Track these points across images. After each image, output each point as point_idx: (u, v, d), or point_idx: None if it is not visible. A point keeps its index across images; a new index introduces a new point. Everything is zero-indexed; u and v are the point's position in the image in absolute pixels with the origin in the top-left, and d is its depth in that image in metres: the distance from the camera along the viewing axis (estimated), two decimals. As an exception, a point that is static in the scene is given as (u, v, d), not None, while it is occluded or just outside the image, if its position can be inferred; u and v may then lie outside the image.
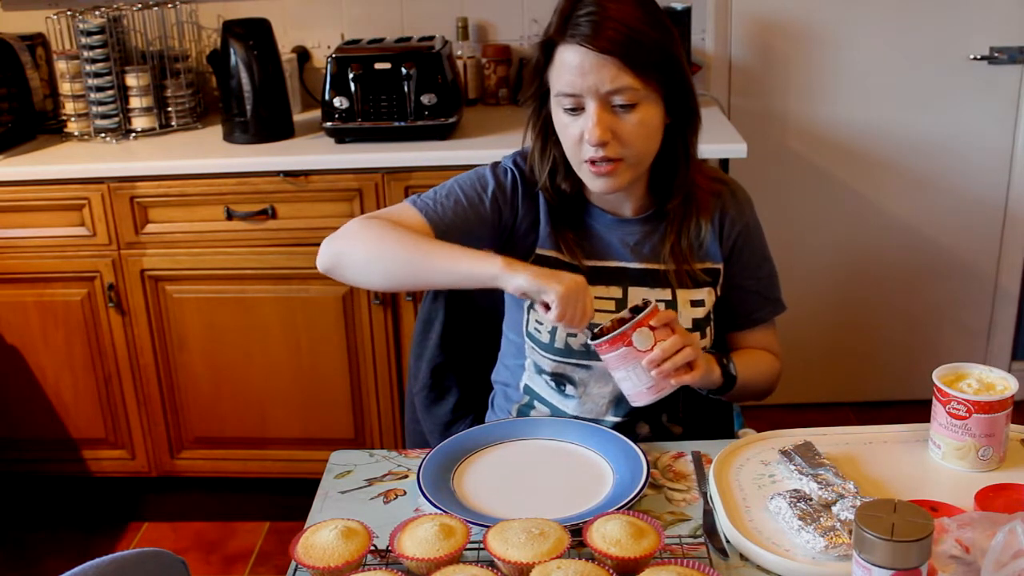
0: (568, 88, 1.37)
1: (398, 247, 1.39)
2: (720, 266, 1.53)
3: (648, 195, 1.51)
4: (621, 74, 1.34)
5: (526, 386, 1.58)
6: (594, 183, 1.43)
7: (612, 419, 1.51)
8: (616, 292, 1.49)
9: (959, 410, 1.27)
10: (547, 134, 1.48)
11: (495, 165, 1.55)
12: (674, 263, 1.49)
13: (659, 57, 1.36)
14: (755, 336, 1.60)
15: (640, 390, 1.34)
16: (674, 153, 1.46)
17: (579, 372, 1.50)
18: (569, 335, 1.48)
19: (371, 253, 1.41)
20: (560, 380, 1.52)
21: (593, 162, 1.39)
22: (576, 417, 1.50)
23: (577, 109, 1.38)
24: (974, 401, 1.26)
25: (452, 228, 1.46)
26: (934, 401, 1.31)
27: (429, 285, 1.59)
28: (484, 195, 1.50)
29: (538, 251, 1.50)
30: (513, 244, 1.52)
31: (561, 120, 1.42)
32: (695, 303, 1.50)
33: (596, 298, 1.47)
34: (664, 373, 1.32)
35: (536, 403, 1.57)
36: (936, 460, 1.32)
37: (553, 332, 1.49)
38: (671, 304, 1.48)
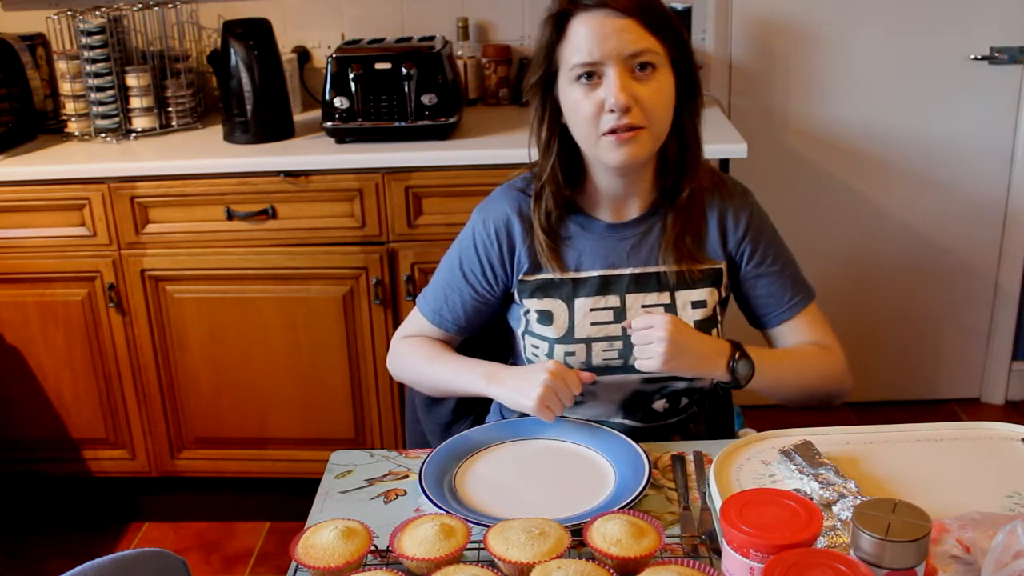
0: (588, 56, 1.34)
1: (418, 375, 1.57)
2: (722, 265, 1.51)
3: (654, 189, 1.49)
4: (644, 34, 1.34)
5: None
6: (615, 153, 1.37)
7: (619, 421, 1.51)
8: (614, 301, 1.48)
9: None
10: (552, 128, 1.44)
11: (474, 236, 1.53)
12: (673, 263, 1.47)
13: (671, 24, 1.38)
14: (799, 329, 1.54)
15: None
16: (683, 135, 1.45)
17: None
18: (567, 355, 1.47)
19: (409, 378, 1.61)
20: None
21: (615, 132, 1.36)
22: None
23: (594, 78, 1.35)
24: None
25: (465, 323, 1.56)
26: None
27: (455, 395, 1.64)
28: (477, 278, 1.53)
29: (529, 277, 1.50)
30: (513, 277, 1.52)
31: (573, 98, 1.38)
32: (696, 304, 1.48)
33: (592, 310, 1.47)
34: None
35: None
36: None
37: (550, 355, 1.48)
38: (670, 308, 1.47)
